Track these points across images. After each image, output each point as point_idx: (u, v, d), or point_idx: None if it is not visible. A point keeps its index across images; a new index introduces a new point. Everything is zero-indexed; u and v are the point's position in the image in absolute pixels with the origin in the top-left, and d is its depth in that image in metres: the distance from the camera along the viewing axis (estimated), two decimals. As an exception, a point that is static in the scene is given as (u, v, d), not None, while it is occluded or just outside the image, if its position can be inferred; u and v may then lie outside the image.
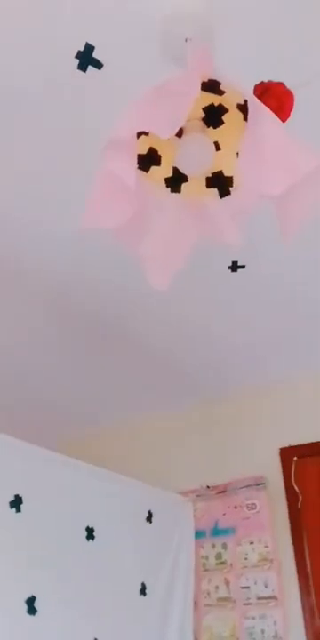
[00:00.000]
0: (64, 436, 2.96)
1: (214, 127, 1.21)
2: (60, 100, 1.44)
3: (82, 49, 1.30)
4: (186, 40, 1.28)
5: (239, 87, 1.08)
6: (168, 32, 1.31)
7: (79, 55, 1.32)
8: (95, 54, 1.30)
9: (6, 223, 1.83)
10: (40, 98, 1.43)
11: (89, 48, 1.32)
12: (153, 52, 1.33)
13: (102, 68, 1.32)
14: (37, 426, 2.81)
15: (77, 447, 2.69)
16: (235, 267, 2.10)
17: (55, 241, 1.91)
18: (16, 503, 1.80)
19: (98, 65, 1.35)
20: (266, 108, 1.09)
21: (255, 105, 1.08)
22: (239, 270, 2.07)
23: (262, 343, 2.62)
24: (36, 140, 1.54)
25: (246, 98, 1.10)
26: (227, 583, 2.73)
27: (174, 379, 2.82)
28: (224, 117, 1.20)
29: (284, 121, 1.31)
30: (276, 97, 1.34)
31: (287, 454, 2.75)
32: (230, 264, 2.06)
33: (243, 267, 2.09)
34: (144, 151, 1.21)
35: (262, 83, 1.35)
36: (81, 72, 1.29)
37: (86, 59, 1.33)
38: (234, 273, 2.07)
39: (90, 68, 1.31)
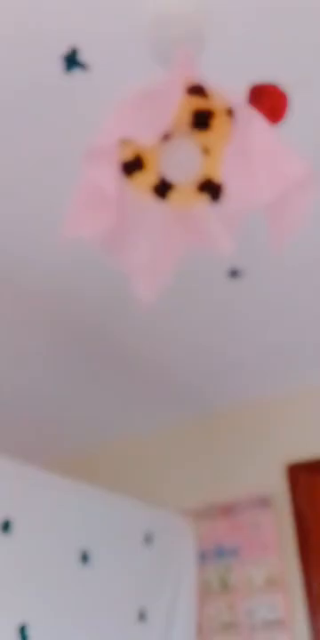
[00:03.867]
0: (58, 454, 2.91)
1: (202, 132, 1.16)
2: (47, 103, 1.41)
3: (68, 50, 1.29)
4: (173, 42, 1.25)
5: (225, 93, 1.05)
6: (157, 34, 1.27)
7: (65, 58, 1.31)
8: (83, 55, 1.29)
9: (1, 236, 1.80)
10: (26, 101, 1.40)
11: (74, 51, 1.30)
12: (142, 54, 1.29)
13: (93, 71, 1.30)
14: (30, 444, 2.78)
15: (73, 465, 2.63)
16: (234, 274, 2.07)
17: (50, 253, 1.87)
18: (6, 526, 1.74)
19: (84, 67, 1.34)
20: (254, 113, 1.07)
21: (242, 110, 1.05)
22: (239, 281, 2.06)
23: (266, 354, 2.56)
24: (29, 146, 1.51)
25: (233, 103, 1.07)
26: (231, 607, 2.64)
27: (174, 392, 2.77)
28: (212, 122, 1.16)
29: (278, 122, 1.29)
30: (270, 98, 1.32)
31: (294, 471, 2.66)
32: (229, 272, 2.05)
33: (241, 274, 2.06)
34: (129, 158, 1.16)
35: (256, 84, 1.31)
36: (64, 79, 1.29)
37: (72, 61, 1.32)
38: (233, 284, 2.07)
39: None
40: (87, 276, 2.00)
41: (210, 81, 1.10)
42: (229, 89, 1.12)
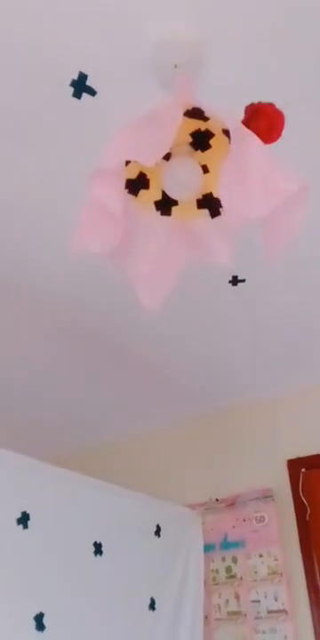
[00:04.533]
0: (67, 452, 2.98)
1: (202, 151, 1.25)
2: (51, 126, 1.48)
3: (75, 77, 1.36)
4: (175, 66, 1.33)
5: (222, 114, 1.11)
6: (158, 58, 1.35)
7: (73, 83, 1.37)
8: (88, 81, 1.34)
9: (6, 239, 1.86)
10: (31, 123, 1.47)
11: (82, 76, 1.37)
12: (144, 77, 1.36)
13: (99, 95, 1.36)
14: (38, 442, 2.83)
15: (83, 463, 2.70)
16: (235, 281, 2.13)
17: (55, 258, 1.94)
18: (23, 520, 1.81)
19: (92, 92, 1.40)
20: (249, 132, 1.13)
21: (238, 130, 1.11)
22: (240, 286, 2.11)
23: (267, 355, 2.62)
24: (33, 159, 1.57)
25: (228, 124, 1.13)
26: (237, 597, 2.72)
27: (179, 392, 2.83)
28: (211, 141, 1.24)
29: (275, 141, 1.35)
30: (266, 117, 1.38)
31: (294, 466, 2.74)
32: (230, 278, 2.10)
33: (243, 280, 2.12)
34: (134, 176, 1.25)
35: (252, 103, 1.38)
36: (72, 100, 1.34)
37: (80, 86, 1.38)
38: (234, 288, 2.12)
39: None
40: (91, 280, 2.05)
41: (208, 102, 1.15)
42: (227, 109, 1.17)
